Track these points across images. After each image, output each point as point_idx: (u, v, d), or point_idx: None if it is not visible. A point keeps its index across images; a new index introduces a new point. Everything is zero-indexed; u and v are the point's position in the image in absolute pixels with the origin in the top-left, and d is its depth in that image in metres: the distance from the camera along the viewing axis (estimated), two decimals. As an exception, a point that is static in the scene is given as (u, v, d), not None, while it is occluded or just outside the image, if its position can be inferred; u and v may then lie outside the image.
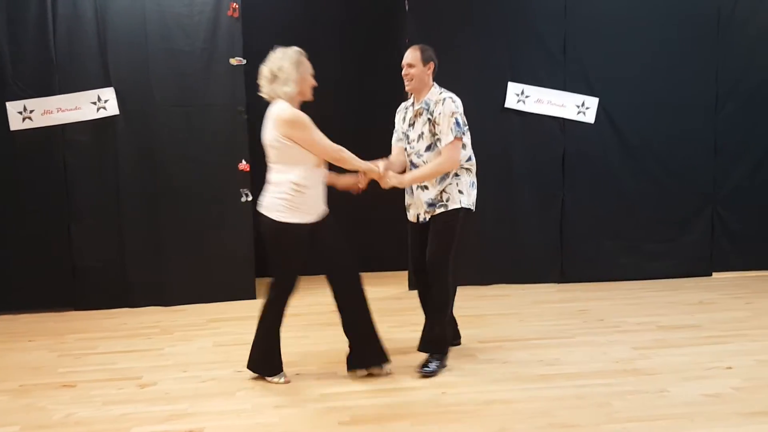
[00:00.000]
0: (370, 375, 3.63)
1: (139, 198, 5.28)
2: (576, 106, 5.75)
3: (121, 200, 5.27)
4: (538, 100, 5.71)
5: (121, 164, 5.25)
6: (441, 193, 3.72)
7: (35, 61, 5.09)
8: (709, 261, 6.06)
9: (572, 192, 5.83)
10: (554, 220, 5.86)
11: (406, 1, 5.53)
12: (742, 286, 5.65)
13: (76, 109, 5.14)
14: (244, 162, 5.37)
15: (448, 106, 3.65)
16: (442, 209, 3.71)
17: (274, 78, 3.42)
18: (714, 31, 5.87)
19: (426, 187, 3.75)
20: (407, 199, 3.93)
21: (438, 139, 3.67)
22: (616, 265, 5.92)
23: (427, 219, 3.77)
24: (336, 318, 4.87)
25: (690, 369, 3.66)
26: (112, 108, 5.19)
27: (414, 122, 3.79)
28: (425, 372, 3.63)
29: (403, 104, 3.98)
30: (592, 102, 5.75)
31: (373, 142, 6.23)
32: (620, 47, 5.76)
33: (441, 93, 3.72)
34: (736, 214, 6.05)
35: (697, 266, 6.03)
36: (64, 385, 3.62)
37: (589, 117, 5.77)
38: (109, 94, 5.18)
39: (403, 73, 3.77)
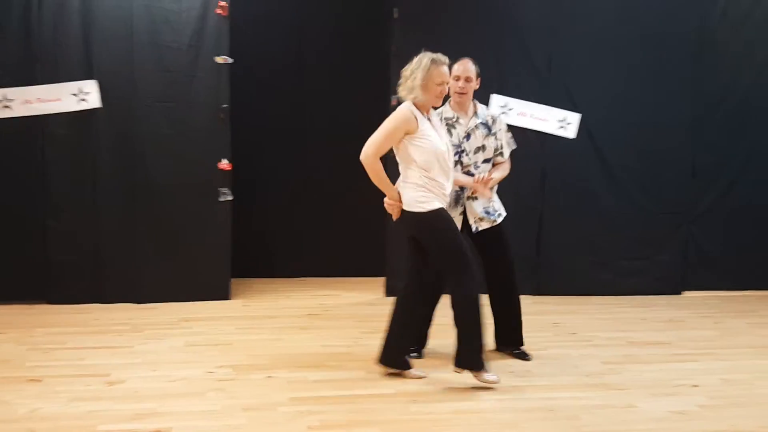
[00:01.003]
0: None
1: (117, 193, 5.23)
2: (558, 121, 5.81)
3: (98, 194, 5.21)
4: (521, 113, 5.76)
5: (100, 158, 5.19)
6: (491, 202, 4.02)
7: (17, 49, 5.03)
8: (681, 279, 6.14)
9: (550, 205, 5.88)
10: (532, 233, 5.90)
11: (395, 9, 5.55)
12: (712, 306, 5.73)
13: (56, 100, 5.08)
14: (225, 161, 5.34)
15: (504, 121, 4.17)
16: (501, 218, 4.07)
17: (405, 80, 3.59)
18: (695, 53, 5.97)
19: (476, 198, 3.97)
20: (449, 212, 3.80)
21: (500, 153, 4.08)
22: (590, 280, 5.97)
23: (480, 228, 3.98)
24: (310, 321, 4.89)
25: (658, 385, 3.70)
26: (93, 101, 5.14)
27: (470, 134, 3.95)
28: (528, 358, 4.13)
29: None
30: (574, 118, 5.81)
31: (358, 147, 6.27)
32: (603, 65, 5.83)
33: (488, 108, 4.13)
34: (709, 234, 6.14)
35: (669, 284, 6.10)
36: (31, 380, 3.56)
37: (570, 132, 5.83)
38: (91, 87, 5.13)
39: (459, 86, 3.87)
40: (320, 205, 6.40)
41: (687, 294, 6.11)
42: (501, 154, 4.09)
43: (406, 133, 3.52)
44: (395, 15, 5.56)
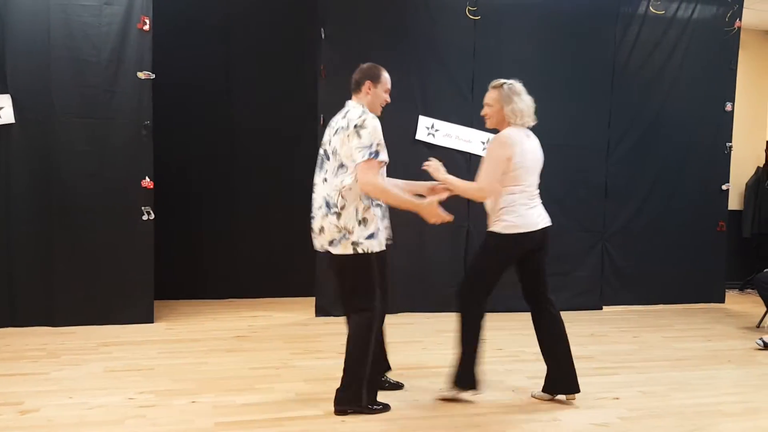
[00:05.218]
0: None
1: (33, 212, 5.01)
2: (481, 143, 5.95)
3: (11, 213, 4.97)
4: (447, 135, 5.88)
5: (14, 175, 4.97)
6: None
7: None
8: (600, 295, 6.40)
9: (476, 225, 5.99)
10: (460, 251, 6.00)
11: (322, 29, 5.57)
12: (630, 320, 5.97)
13: (-34, 114, 4.84)
14: (147, 179, 5.19)
15: None
16: None
17: None
18: (609, 82, 6.31)
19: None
20: (384, 224, 3.77)
21: None
22: (515, 297, 6.07)
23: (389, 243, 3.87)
24: (238, 343, 4.78)
25: (581, 399, 3.80)
26: (6, 116, 4.91)
27: None
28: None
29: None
30: (497, 139, 5.97)
31: (285, 166, 6.24)
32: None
33: None
34: (623, 251, 6.46)
35: (589, 300, 6.34)
36: (-67, 412, 3.33)
37: (494, 153, 5.98)
38: (4, 101, 4.90)
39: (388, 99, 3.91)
40: (248, 225, 6.31)
41: (607, 309, 6.36)
42: None
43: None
44: (322, 35, 5.58)
